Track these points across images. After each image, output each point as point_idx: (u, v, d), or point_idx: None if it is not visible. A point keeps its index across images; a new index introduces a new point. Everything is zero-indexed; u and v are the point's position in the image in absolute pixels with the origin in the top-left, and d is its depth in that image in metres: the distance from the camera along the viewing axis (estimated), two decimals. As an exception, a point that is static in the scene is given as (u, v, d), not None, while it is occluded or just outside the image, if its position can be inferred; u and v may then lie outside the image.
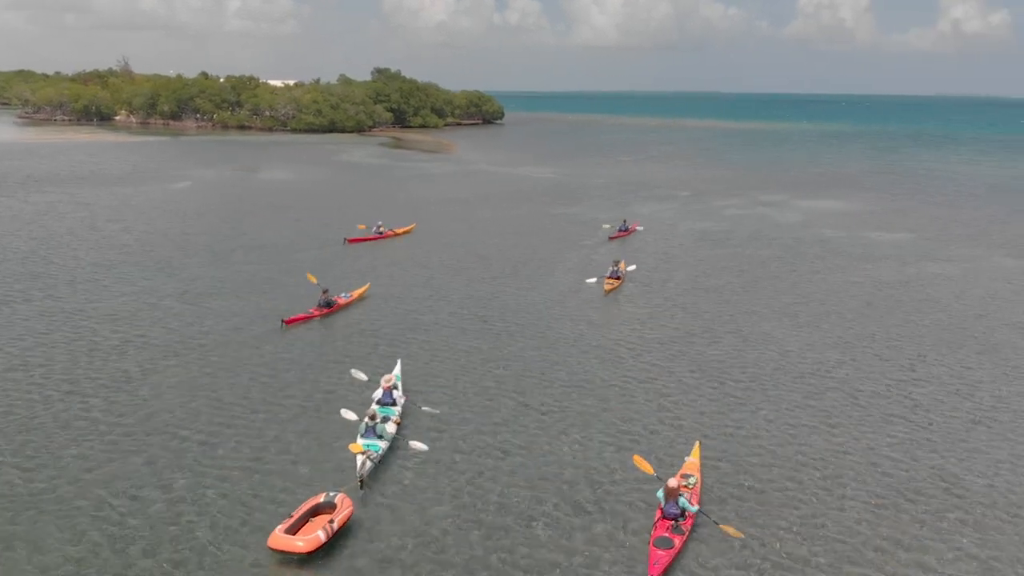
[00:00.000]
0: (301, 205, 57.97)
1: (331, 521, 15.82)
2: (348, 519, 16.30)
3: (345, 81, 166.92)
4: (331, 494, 16.74)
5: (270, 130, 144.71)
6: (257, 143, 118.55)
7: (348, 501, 16.62)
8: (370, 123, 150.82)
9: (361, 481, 17.93)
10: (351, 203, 59.57)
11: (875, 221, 54.37)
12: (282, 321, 29.11)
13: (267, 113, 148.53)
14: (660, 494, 16.60)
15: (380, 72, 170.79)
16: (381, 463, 18.98)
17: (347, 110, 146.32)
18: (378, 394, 22.13)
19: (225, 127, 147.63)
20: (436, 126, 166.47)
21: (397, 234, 46.69)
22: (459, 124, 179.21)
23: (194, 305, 31.44)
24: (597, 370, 25.35)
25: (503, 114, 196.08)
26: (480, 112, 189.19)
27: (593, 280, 36.03)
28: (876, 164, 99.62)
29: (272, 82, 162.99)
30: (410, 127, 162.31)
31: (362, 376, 23.03)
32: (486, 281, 36.63)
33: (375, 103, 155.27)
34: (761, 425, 21.42)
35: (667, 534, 15.82)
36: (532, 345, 27.64)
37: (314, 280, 32.69)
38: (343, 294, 31.97)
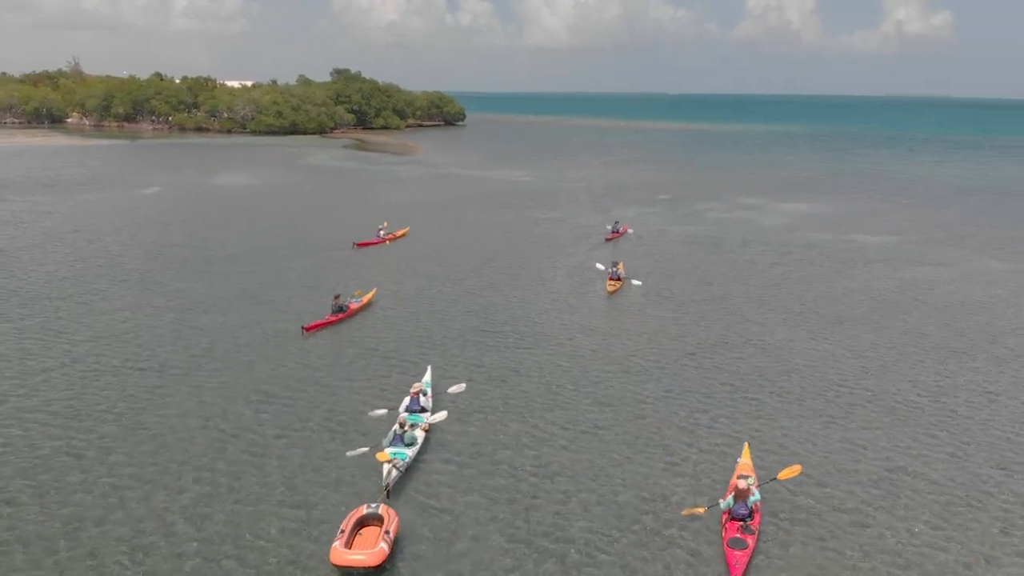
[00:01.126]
0: (280, 211, 56.45)
1: (387, 532, 15.71)
2: (398, 530, 16.20)
3: (304, 82, 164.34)
4: (372, 505, 16.53)
5: (229, 132, 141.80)
6: (218, 146, 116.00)
7: (392, 512, 16.45)
8: (332, 124, 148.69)
9: (387, 490, 17.74)
10: (330, 208, 58.19)
11: (857, 224, 54.51)
12: (302, 328, 29.04)
13: (225, 115, 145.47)
14: (729, 500, 16.81)
15: (340, 73, 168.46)
16: (408, 471, 18.86)
17: (308, 111, 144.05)
18: (406, 401, 22.03)
19: (182, 129, 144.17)
20: (398, 127, 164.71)
21: (396, 238, 47.08)
22: (420, 125, 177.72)
23: (207, 316, 30.75)
24: (623, 381, 24.94)
25: (464, 115, 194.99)
26: (441, 113, 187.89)
27: (601, 267, 38.09)
28: (841, 166, 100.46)
29: (229, 83, 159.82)
30: (372, 128, 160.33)
31: (380, 412, 21.61)
32: (490, 286, 36.70)
33: (336, 104, 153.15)
34: (803, 435, 21.07)
35: (739, 535, 16.17)
36: (550, 354, 27.45)
37: (359, 295, 32.47)
38: (353, 299, 31.86)
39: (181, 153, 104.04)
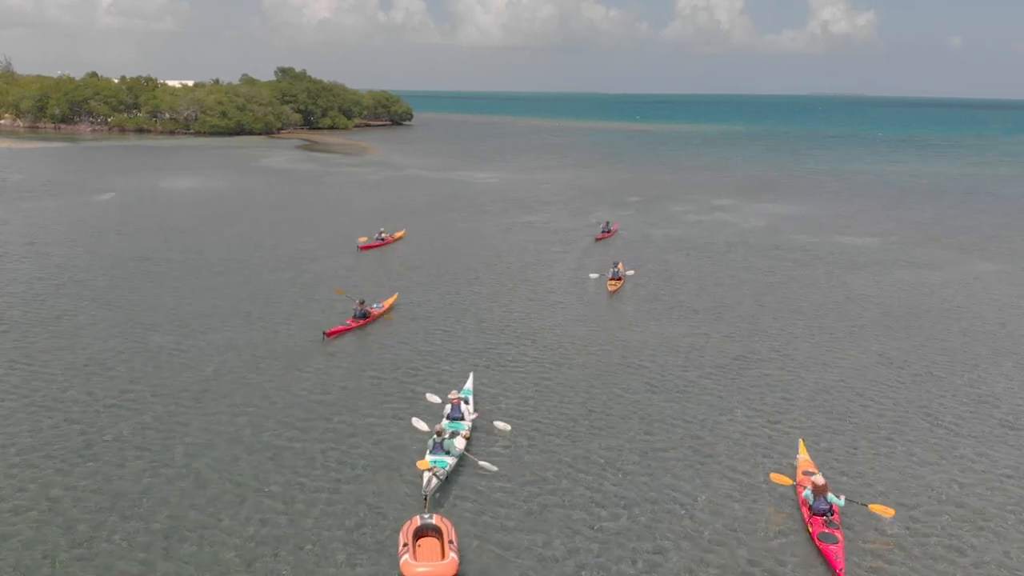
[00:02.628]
0: (257, 216, 54.50)
1: (450, 542, 15.65)
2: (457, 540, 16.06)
3: (248, 81, 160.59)
4: (426, 516, 16.41)
5: (172, 133, 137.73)
6: (165, 147, 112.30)
7: (448, 522, 16.41)
8: (278, 125, 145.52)
9: (426, 499, 17.51)
10: (309, 213, 56.41)
11: (836, 225, 54.99)
12: (323, 333, 28.68)
13: (167, 115, 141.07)
14: (808, 493, 17.32)
15: (284, 72, 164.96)
16: (448, 479, 18.69)
17: (254, 111, 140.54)
18: (447, 409, 21.82)
19: (122, 130, 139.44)
20: (345, 127, 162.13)
21: (395, 239, 47.30)
22: (367, 125, 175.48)
23: (218, 331, 29.29)
24: (653, 389, 24.91)
25: (412, 115, 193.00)
26: (388, 113, 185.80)
27: (596, 275, 38.25)
28: (797, 166, 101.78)
29: (170, 83, 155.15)
30: (319, 129, 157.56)
31: (435, 399, 22.12)
32: (498, 289, 36.81)
33: (282, 104, 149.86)
34: (843, 446, 20.72)
35: (826, 529, 16.65)
36: (566, 357, 27.66)
37: (342, 293, 32.44)
38: (375, 304, 31.69)
39: (129, 155, 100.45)
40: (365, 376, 25.36)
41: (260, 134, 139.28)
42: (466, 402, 22.32)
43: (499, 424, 21.68)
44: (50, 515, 16.92)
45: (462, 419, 21.52)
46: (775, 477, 18.60)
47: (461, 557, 15.53)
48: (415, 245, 46.55)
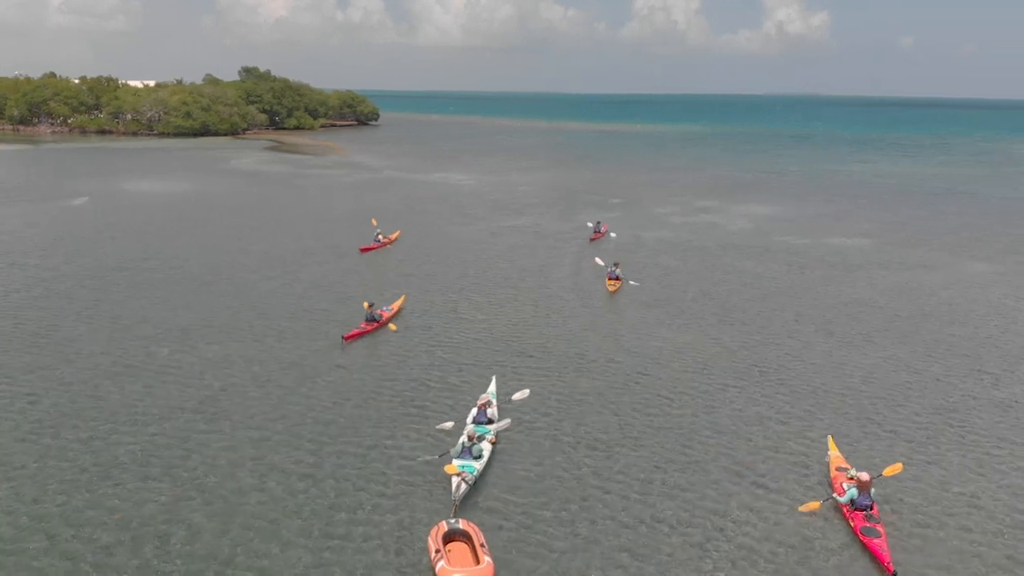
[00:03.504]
0: (230, 221, 53.26)
1: (481, 546, 15.69)
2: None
3: (212, 81, 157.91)
4: (452, 521, 16.44)
5: (135, 134, 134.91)
6: (130, 149, 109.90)
7: (475, 526, 16.44)
8: (244, 125, 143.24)
9: (455, 504, 17.51)
10: (285, 216, 55.24)
11: (822, 227, 55.20)
12: (342, 338, 28.72)
13: (129, 116, 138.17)
14: (852, 490, 17.68)
15: (249, 71, 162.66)
16: (475, 484, 18.67)
17: (220, 112, 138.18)
18: (473, 412, 21.87)
19: (84, 132, 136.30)
20: (311, 128, 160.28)
21: (391, 241, 47.51)
22: (333, 125, 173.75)
23: (232, 339, 28.62)
24: (674, 390, 25.07)
25: (378, 115, 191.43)
26: (354, 113, 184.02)
27: (601, 262, 39.89)
28: (771, 167, 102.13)
29: (131, 83, 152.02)
30: (285, 129, 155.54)
31: (447, 425, 21.40)
32: (503, 292, 36.91)
33: (247, 104, 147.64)
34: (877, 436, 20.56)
35: (868, 524, 17.08)
36: (591, 369, 26.95)
37: (368, 306, 31.34)
38: (385, 307, 31.74)
39: (95, 158, 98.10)
40: (385, 381, 25.31)
41: (226, 135, 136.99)
42: (491, 405, 22.29)
43: (516, 395, 22.41)
44: (61, 547, 16.16)
45: (489, 423, 21.46)
46: (805, 507, 18.05)
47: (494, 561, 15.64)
48: (411, 248, 46.41)
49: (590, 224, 52.12)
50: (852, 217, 59.96)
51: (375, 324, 29.98)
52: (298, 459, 19.96)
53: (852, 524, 17.27)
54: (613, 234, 50.53)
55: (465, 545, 16.00)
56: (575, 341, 29.62)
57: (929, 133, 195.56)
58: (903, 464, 19.21)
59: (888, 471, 18.73)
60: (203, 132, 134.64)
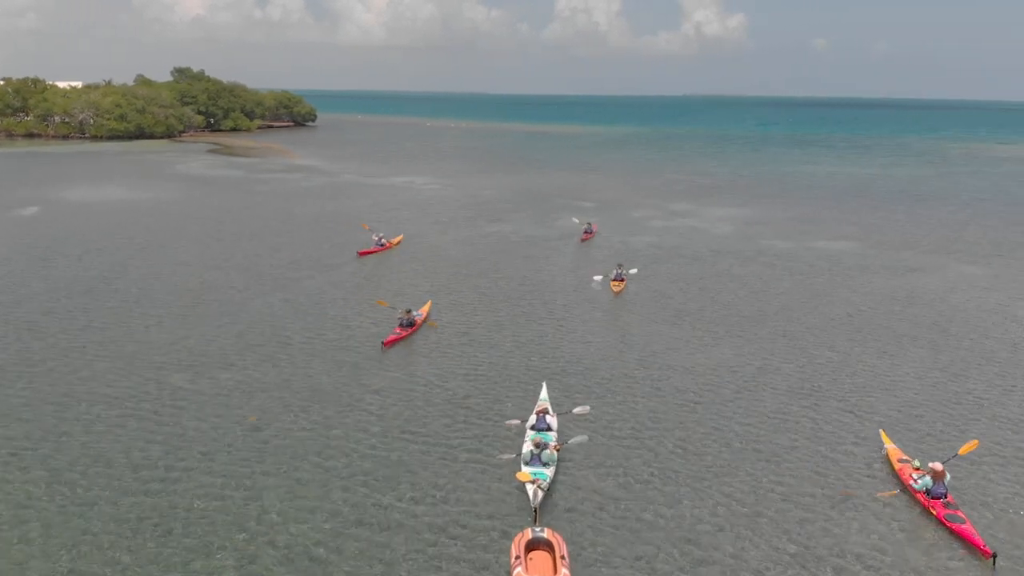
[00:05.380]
0: (201, 231, 51.06)
1: (562, 557, 15.62)
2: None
3: (144, 82, 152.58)
4: (537, 529, 16.39)
5: (65, 138, 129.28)
6: (67, 154, 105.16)
7: (559, 536, 16.30)
8: (181, 128, 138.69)
9: (536, 512, 17.46)
10: (258, 226, 53.21)
11: (802, 230, 55.52)
12: (382, 343, 28.85)
13: (59, 119, 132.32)
14: (927, 480, 18.31)
15: (181, 72, 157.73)
16: (549, 491, 18.63)
17: (155, 114, 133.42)
18: (532, 419, 21.78)
19: (10, 135, 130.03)
20: (248, 129, 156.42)
21: (394, 244, 47.34)
22: (270, 126, 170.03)
23: (238, 357, 26.72)
24: (715, 397, 24.69)
25: (315, 116, 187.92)
26: (291, 114, 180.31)
27: (599, 277, 39.13)
28: (719, 168, 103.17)
29: (59, 84, 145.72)
30: (221, 131, 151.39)
31: (514, 423, 21.84)
32: (514, 297, 37.14)
33: (182, 105, 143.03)
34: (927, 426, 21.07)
35: (950, 511, 17.72)
36: (630, 380, 26.62)
37: (384, 304, 32.09)
38: (416, 312, 31.60)
39: (30, 163, 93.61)
40: (433, 385, 25.45)
41: (162, 138, 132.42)
42: (548, 412, 22.20)
43: (577, 410, 22.09)
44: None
45: (548, 430, 21.41)
46: (882, 494, 19.07)
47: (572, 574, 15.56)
48: (412, 252, 46.37)
49: (576, 220, 53.90)
50: (825, 220, 60.44)
51: (411, 329, 30.24)
52: (369, 470, 19.85)
53: (934, 512, 17.82)
54: (599, 230, 53.17)
55: (547, 555, 15.88)
56: (602, 352, 29.37)
57: (859, 133, 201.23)
58: (978, 441, 20.07)
59: (964, 449, 19.62)
60: (138, 135, 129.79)
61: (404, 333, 29.88)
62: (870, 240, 52.06)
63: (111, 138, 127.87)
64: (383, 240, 46.50)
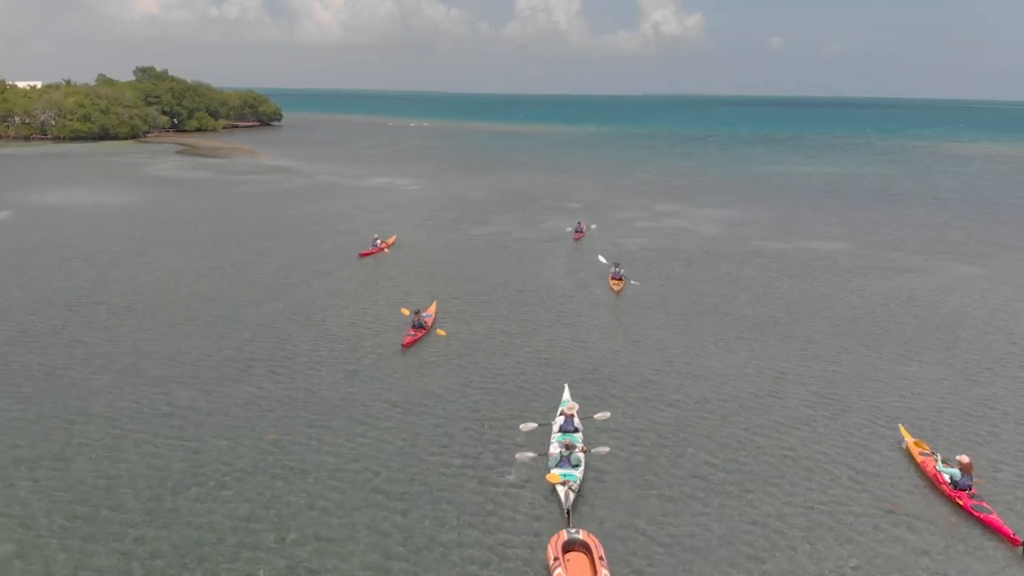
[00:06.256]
0: (184, 235, 49.74)
1: (601, 558, 15.68)
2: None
3: (106, 81, 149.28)
4: (572, 531, 16.44)
5: (27, 139, 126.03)
6: (30, 156, 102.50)
7: (595, 538, 16.38)
8: (145, 128, 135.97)
9: (568, 513, 17.51)
10: (239, 230, 51.99)
11: (792, 230, 55.68)
12: (402, 345, 29.11)
13: (19, 120, 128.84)
14: (954, 472, 18.90)
15: (144, 71, 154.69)
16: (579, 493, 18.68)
17: (120, 114, 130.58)
18: (560, 421, 21.82)
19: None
20: (214, 129, 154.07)
21: (389, 245, 47.33)
22: (235, 126, 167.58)
23: (245, 370, 25.52)
24: (747, 411, 24.21)
25: (281, 115, 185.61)
26: (256, 113, 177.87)
27: (604, 260, 41.55)
28: (693, 168, 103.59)
29: (19, 84, 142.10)
30: (186, 131, 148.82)
31: (531, 425, 21.90)
32: (517, 297, 37.44)
33: (146, 105, 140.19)
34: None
35: (976, 502, 18.30)
36: (648, 383, 26.16)
37: (408, 312, 31.77)
38: (425, 314, 31.87)
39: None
40: (450, 395, 25.06)
41: (126, 138, 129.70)
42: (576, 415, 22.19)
43: (598, 415, 21.79)
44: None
45: (575, 431, 21.42)
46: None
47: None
48: (407, 253, 46.36)
49: (568, 229, 53.61)
50: (808, 220, 60.61)
51: (424, 330, 30.55)
52: (396, 484, 19.53)
53: (960, 503, 18.41)
54: (594, 225, 54.57)
55: (584, 556, 15.96)
56: (615, 356, 29.10)
57: (825, 132, 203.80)
58: None
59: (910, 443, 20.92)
60: (102, 136, 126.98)
61: (418, 334, 30.10)
62: (858, 241, 52.28)
63: (74, 139, 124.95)
64: (378, 241, 46.63)
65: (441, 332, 30.77)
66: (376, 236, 47.42)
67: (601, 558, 15.72)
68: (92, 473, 19.63)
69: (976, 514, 17.95)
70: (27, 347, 28.70)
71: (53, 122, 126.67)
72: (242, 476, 19.64)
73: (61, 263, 42.19)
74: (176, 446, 21.22)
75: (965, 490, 18.65)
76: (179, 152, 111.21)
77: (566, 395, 24.25)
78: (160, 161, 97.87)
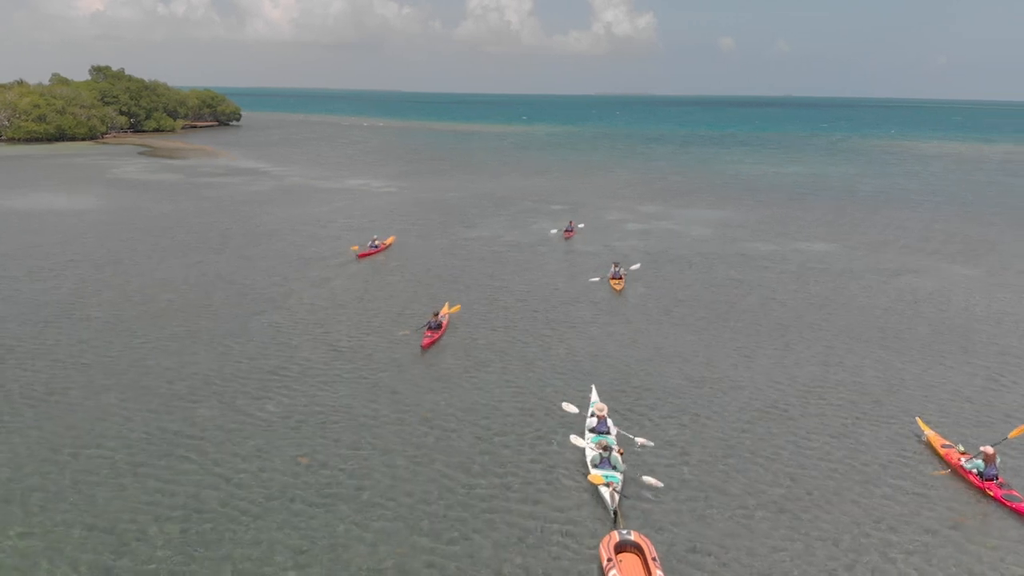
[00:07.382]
0: (165, 242, 48.06)
1: (654, 559, 15.71)
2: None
3: (61, 81, 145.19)
4: (624, 532, 16.51)
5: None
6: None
7: (646, 539, 16.44)
8: (103, 129, 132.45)
9: (616, 514, 17.58)
10: (222, 237, 50.41)
11: (779, 232, 55.66)
12: (421, 347, 29.17)
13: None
14: (978, 463, 19.47)
15: (99, 70, 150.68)
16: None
17: (76, 115, 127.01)
18: (592, 423, 21.77)
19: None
20: (172, 129, 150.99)
21: (387, 246, 47.50)
22: (194, 126, 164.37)
23: (261, 385, 24.34)
24: (774, 415, 23.61)
25: (239, 115, 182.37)
26: (214, 113, 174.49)
27: (596, 279, 40.13)
28: (665, 168, 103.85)
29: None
30: (145, 132, 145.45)
31: (573, 409, 22.53)
32: (520, 298, 37.49)
33: (103, 105, 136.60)
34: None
35: (1007, 491, 18.79)
36: (674, 390, 25.24)
37: (407, 333, 31.36)
38: (442, 315, 31.90)
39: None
40: (477, 405, 24.67)
41: (84, 140, 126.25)
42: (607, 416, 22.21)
43: (640, 440, 21.03)
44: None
45: (608, 432, 21.44)
46: (936, 473, 20.31)
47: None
48: (405, 255, 46.29)
49: (554, 231, 53.79)
50: (793, 221, 60.70)
51: (440, 331, 30.60)
52: (440, 499, 19.13)
53: (991, 493, 18.95)
54: (581, 224, 55.50)
55: (636, 557, 16.04)
56: (633, 360, 28.55)
57: (786, 131, 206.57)
58: None
59: (1014, 433, 20.97)
60: (59, 137, 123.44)
61: (436, 336, 30.09)
62: (847, 242, 52.43)
63: (29, 140, 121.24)
64: (377, 242, 46.61)
65: (455, 307, 32.81)
66: (375, 237, 47.73)
67: (654, 559, 15.74)
68: (117, 502, 18.53)
69: (1008, 504, 18.48)
70: (20, 368, 27.23)
71: (7, 123, 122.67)
72: (278, 502, 18.67)
73: (34, 272, 40.30)
74: (207, 467, 20.24)
75: (992, 480, 19.16)
76: (142, 154, 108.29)
77: (594, 396, 24.20)
78: (124, 163, 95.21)
